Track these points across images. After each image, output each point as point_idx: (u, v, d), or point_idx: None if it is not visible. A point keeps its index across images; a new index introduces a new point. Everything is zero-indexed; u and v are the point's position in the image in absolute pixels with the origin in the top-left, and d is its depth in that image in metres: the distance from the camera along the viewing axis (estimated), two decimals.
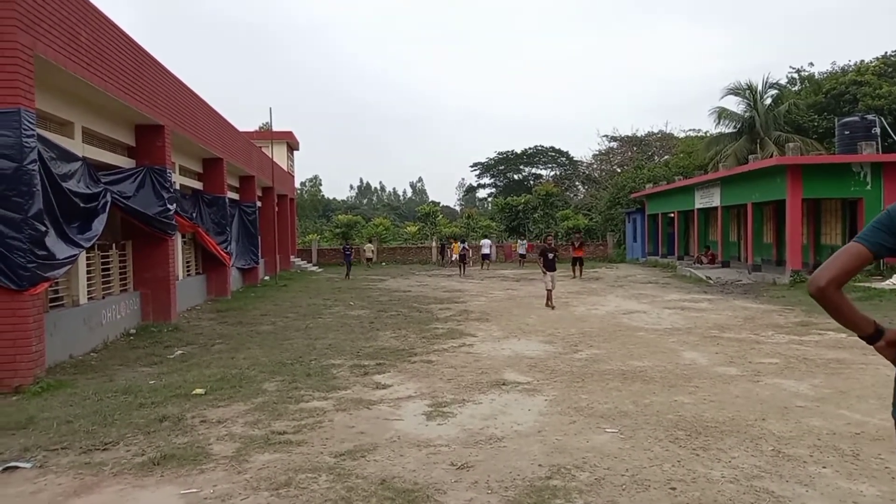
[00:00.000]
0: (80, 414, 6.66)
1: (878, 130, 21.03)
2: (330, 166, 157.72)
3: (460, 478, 4.72)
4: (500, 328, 12.54)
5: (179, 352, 10.59)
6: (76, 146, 10.39)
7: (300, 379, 8.23)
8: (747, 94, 36.44)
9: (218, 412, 6.74)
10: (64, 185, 9.32)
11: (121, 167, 12.40)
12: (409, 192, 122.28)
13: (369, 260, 36.57)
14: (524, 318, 13.92)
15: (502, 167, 79.40)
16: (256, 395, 7.45)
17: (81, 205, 9.93)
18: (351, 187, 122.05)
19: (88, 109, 10.95)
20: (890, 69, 35.64)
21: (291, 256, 34.63)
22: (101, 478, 4.94)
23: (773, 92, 37.72)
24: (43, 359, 8.28)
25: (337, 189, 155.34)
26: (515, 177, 79.01)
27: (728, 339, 10.74)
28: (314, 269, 35.22)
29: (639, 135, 64.59)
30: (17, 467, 5.19)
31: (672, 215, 32.76)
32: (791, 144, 20.69)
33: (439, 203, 59.76)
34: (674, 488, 4.39)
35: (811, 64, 62.84)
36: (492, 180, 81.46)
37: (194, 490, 4.65)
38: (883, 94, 32.27)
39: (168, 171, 13.38)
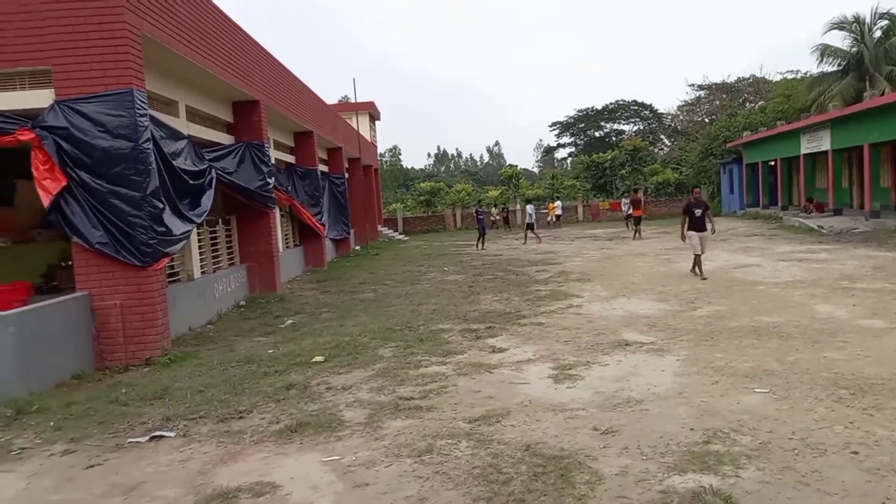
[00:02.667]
0: (210, 384, 6.83)
1: None
2: (407, 136, 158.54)
3: (608, 443, 4.47)
4: (604, 288, 12.11)
5: (290, 321, 10.79)
6: (181, 124, 10.61)
7: (414, 344, 8.18)
8: (854, 28, 33.39)
9: (341, 379, 6.76)
10: (174, 163, 9.54)
11: (221, 143, 12.65)
12: (487, 157, 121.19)
13: (494, 223, 36.06)
14: (627, 277, 13.39)
15: (582, 125, 77.18)
16: (374, 361, 7.44)
17: (190, 182, 10.17)
18: (428, 155, 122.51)
19: (190, 88, 11.16)
20: None
21: (378, 226, 35.02)
22: (243, 446, 5.01)
23: (884, 23, 34.36)
24: (168, 331, 8.59)
25: (414, 158, 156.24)
26: (596, 134, 76.67)
27: (862, 290, 9.91)
28: (401, 237, 35.50)
29: (728, 81, 61.07)
30: (162, 436, 5.35)
31: (773, 163, 30.80)
32: None
33: (516, 166, 58.74)
34: (856, 452, 3.98)
35: None
36: (571, 139, 79.47)
37: (336, 457, 4.62)
38: None
39: (266, 145, 13.57)
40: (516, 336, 8.35)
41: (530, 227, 25.99)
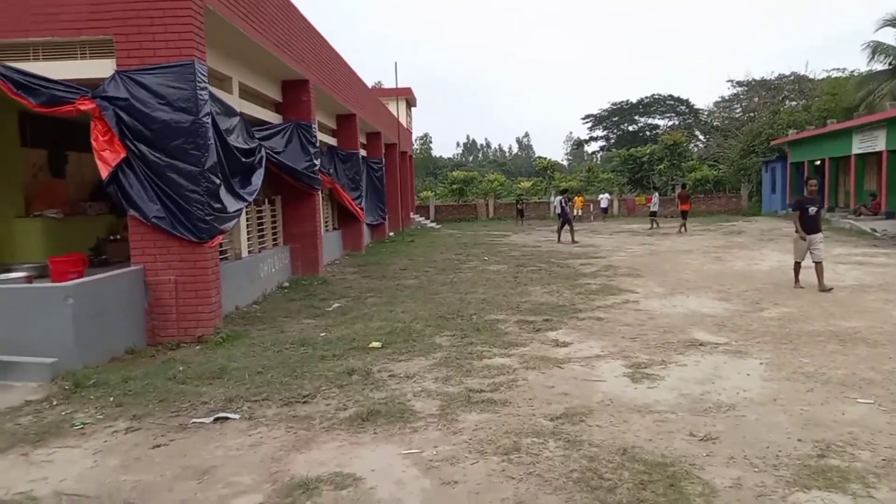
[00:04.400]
0: (267, 365, 6.64)
1: None
2: (436, 124, 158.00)
3: (710, 451, 4.15)
4: (658, 284, 11.71)
5: (336, 304, 10.59)
6: (234, 101, 10.43)
7: (471, 334, 7.91)
8: None
9: (402, 366, 6.52)
10: (228, 139, 9.36)
11: (270, 122, 12.46)
12: (515, 148, 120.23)
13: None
14: (679, 274, 12.97)
15: (616, 118, 76.09)
16: (433, 349, 7.18)
17: (243, 159, 9.98)
18: (457, 144, 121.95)
19: (243, 64, 10.96)
20: None
21: (411, 213, 34.81)
22: (314, 433, 4.78)
23: None
24: (220, 310, 8.43)
25: (443, 147, 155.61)
26: (630, 128, 75.56)
27: None
28: (433, 225, 35.26)
29: (769, 78, 59.62)
30: (226, 418, 5.15)
31: (818, 163, 29.88)
32: None
33: (550, 158, 58.08)
34: None
35: None
36: (604, 133, 78.42)
37: (415, 450, 4.37)
38: None
39: (314, 126, 13.36)
40: (577, 330, 8.03)
41: (567, 221, 22.27)
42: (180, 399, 5.60)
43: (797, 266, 11.07)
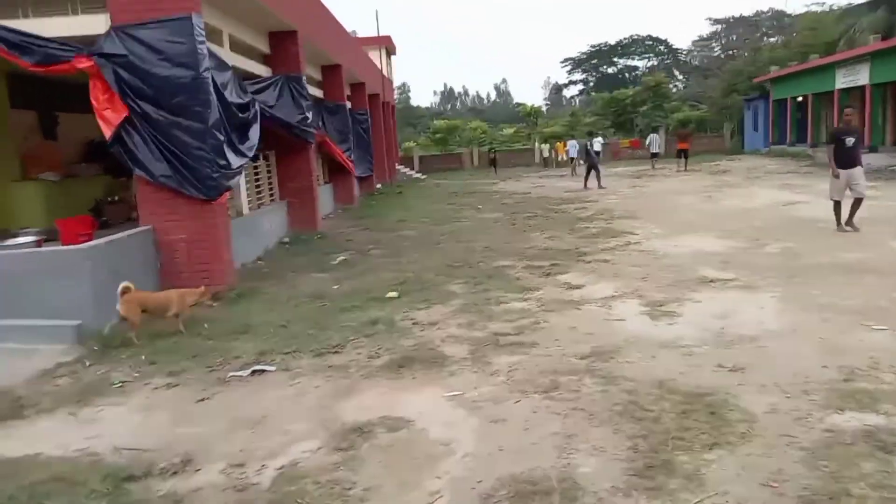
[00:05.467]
0: (290, 319, 6.73)
1: None
2: (413, 73, 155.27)
3: (741, 381, 4.34)
4: (656, 226, 11.87)
5: (341, 258, 10.63)
6: (225, 55, 10.18)
7: (483, 281, 8.03)
8: None
9: (423, 314, 6.64)
10: (224, 94, 9.19)
11: (260, 76, 12.22)
12: (494, 95, 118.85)
13: (546, 160, 34.80)
14: (675, 215, 13.15)
15: (595, 61, 75.38)
16: (450, 297, 7.30)
17: (240, 115, 9.82)
18: (434, 93, 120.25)
19: (231, 16, 10.65)
20: None
21: (396, 164, 34.54)
22: (354, 381, 4.90)
23: None
24: (233, 267, 8.45)
25: (420, 96, 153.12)
26: (609, 70, 75.00)
27: None
28: (419, 176, 35.02)
29: (747, 15, 59.18)
30: (263, 370, 5.25)
31: (801, 99, 30.00)
32: None
33: (528, 104, 57.42)
34: None
35: None
36: (583, 76, 77.78)
37: (457, 392, 4.51)
38: None
39: (304, 78, 13.12)
40: (587, 273, 8.18)
41: (593, 166, 20.96)
42: (212, 354, 5.68)
43: (837, 206, 10.07)
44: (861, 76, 23.07)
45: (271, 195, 13.19)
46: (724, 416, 3.79)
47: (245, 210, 11.02)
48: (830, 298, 6.14)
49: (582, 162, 24.65)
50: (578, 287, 7.43)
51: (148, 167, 7.64)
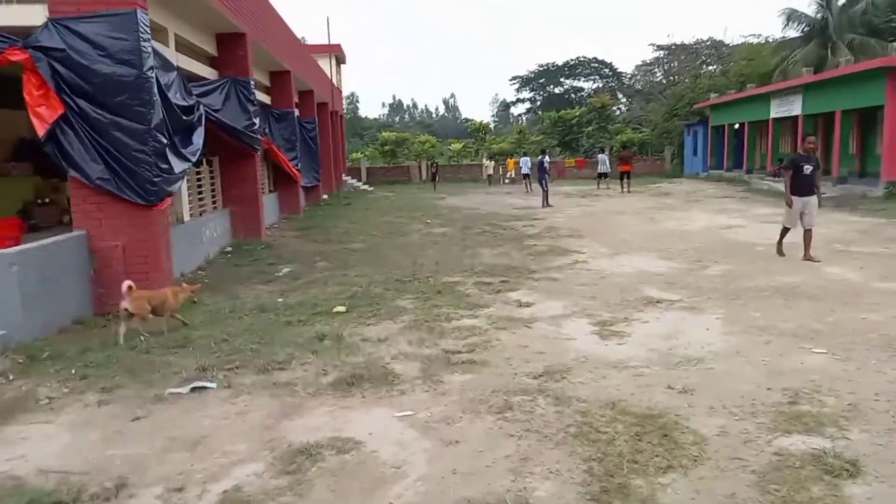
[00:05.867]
0: (232, 332, 6.47)
1: None
2: (362, 83, 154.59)
3: (690, 402, 4.38)
4: (601, 245, 12.05)
5: (286, 269, 10.37)
6: (171, 54, 9.85)
7: (433, 296, 7.94)
8: None
9: (372, 330, 6.50)
10: (167, 95, 8.87)
11: (206, 78, 11.88)
12: (442, 110, 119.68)
13: (490, 177, 34.55)
14: (619, 235, 13.39)
15: (542, 80, 76.84)
16: (399, 312, 7.18)
17: (183, 117, 9.49)
18: (383, 104, 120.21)
19: (177, 14, 10.33)
20: None
21: (343, 175, 34.19)
22: (300, 399, 4.73)
23: None
24: (172, 276, 8.11)
25: (369, 107, 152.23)
26: (556, 90, 76.51)
27: (860, 253, 10.15)
28: (366, 188, 34.76)
29: (688, 42, 61.43)
30: (204, 387, 5.00)
31: (738, 126, 31.24)
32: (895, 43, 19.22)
33: (477, 120, 57.89)
34: None
35: None
36: (531, 94, 79.13)
37: (408, 412, 4.39)
38: None
39: (252, 82, 12.83)
40: (536, 291, 8.20)
41: (541, 181, 21.13)
42: (149, 370, 5.40)
43: (784, 232, 10.04)
44: (794, 107, 24.19)
45: (214, 202, 12.81)
46: (676, 438, 3.80)
47: (186, 217, 10.64)
48: (770, 321, 6.31)
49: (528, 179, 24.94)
50: (528, 305, 7.43)
51: (84, 168, 7.27)
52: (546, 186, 21.33)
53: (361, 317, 7.04)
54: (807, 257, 9.57)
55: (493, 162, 36.76)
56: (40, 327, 6.37)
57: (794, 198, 9.73)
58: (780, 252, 10.10)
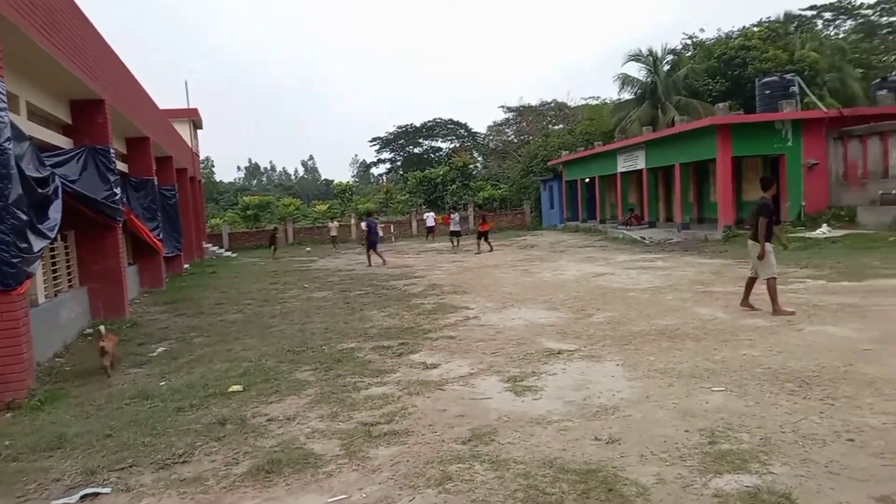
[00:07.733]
0: (114, 426, 5.79)
1: (796, 89, 22.45)
2: (215, 147, 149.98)
3: (621, 452, 4.47)
4: (487, 299, 12.29)
5: (161, 349, 9.55)
6: (23, 123, 8.99)
7: (333, 366, 7.63)
8: (647, 60, 37.99)
9: (277, 408, 6.09)
10: (21, 166, 8.04)
11: (61, 147, 10.94)
12: (301, 171, 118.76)
13: (335, 238, 34.01)
14: (501, 288, 13.74)
15: (401, 141, 78.78)
16: (301, 386, 6.81)
17: (39, 190, 8.62)
18: (238, 168, 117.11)
19: (29, 81, 9.51)
20: (773, 34, 38.11)
21: (203, 242, 32.58)
22: (216, 495, 4.28)
23: (671, 58, 39.65)
24: (33, 367, 7.17)
25: (224, 171, 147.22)
26: (415, 150, 78.66)
27: (721, 293, 11.09)
28: (229, 254, 33.31)
29: (532, 105, 65.93)
30: (96, 493, 4.40)
31: (589, 181, 33.67)
32: (720, 105, 21.77)
33: (342, 181, 58.17)
34: (851, 440, 4.37)
35: (702, 30, 65.89)
36: (391, 155, 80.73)
37: (342, 496, 4.11)
38: (769, 57, 34.44)
39: (112, 150, 11.98)
40: (438, 350, 8.14)
41: (373, 245, 21.55)
42: (21, 479, 4.67)
43: (751, 282, 9.20)
44: (638, 161, 26.52)
45: (70, 280, 11.64)
46: (620, 491, 3.84)
47: (41, 299, 9.55)
48: (667, 363, 6.67)
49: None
50: (434, 366, 7.34)
51: None
52: (376, 248, 21.55)
53: (261, 394, 6.59)
54: (777, 311, 8.67)
55: (335, 223, 36.43)
56: None
57: (769, 246, 8.77)
58: (748, 304, 9.28)
